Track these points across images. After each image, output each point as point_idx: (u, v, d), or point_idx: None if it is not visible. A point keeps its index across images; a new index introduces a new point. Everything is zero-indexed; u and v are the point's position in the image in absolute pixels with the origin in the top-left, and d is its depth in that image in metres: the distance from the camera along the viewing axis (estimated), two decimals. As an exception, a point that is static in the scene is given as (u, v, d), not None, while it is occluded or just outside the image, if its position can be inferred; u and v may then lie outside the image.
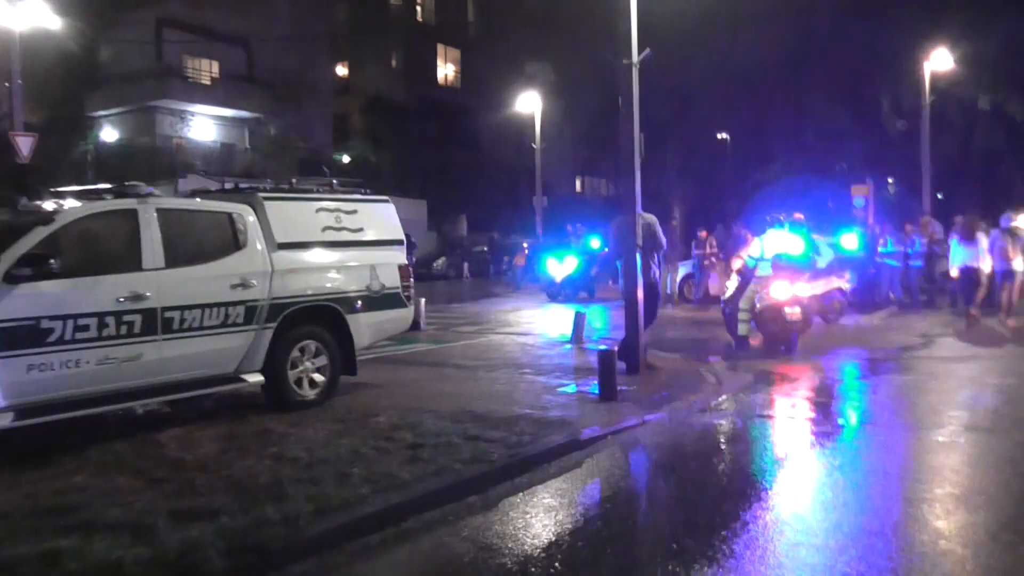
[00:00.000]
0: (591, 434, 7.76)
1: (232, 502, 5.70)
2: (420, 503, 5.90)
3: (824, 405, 9.62)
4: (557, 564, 5.00)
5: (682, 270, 23.03)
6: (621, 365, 10.25)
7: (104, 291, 7.38)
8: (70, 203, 7.75)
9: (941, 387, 10.43)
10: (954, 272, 17.03)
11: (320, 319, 9.13)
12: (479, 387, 10.19)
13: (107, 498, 5.90)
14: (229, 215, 8.59)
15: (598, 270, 24.07)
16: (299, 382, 8.89)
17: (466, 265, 36.50)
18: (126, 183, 8.29)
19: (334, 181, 10.26)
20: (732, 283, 14.62)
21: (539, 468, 6.88)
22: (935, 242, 20.73)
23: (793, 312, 13.23)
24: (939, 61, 28.09)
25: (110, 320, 7.34)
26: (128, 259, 7.66)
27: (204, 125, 38.83)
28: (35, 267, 6.93)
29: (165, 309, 7.72)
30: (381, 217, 10.24)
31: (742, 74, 37.81)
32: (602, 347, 10.41)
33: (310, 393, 8.96)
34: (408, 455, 6.82)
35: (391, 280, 9.90)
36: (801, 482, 6.64)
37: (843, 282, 17.41)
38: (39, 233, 7.12)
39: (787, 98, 39.13)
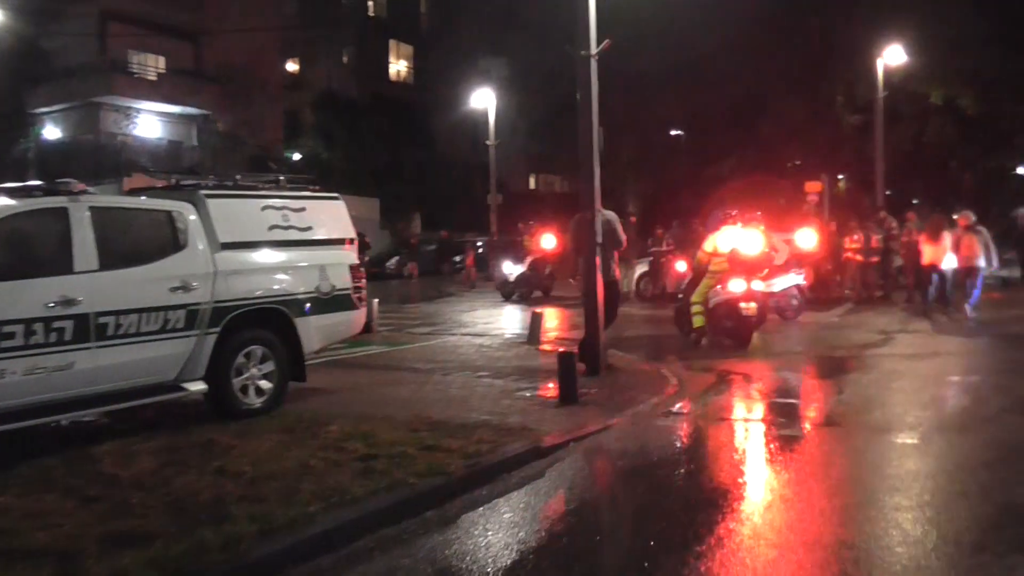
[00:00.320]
0: (553, 441, 7.43)
1: (170, 524, 5.27)
2: (374, 520, 5.53)
3: (789, 407, 9.38)
4: (521, 587, 4.67)
5: (639, 267, 22.83)
6: (581, 366, 9.93)
7: (32, 296, 6.88)
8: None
9: (906, 386, 10.27)
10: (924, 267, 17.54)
11: (267, 323, 8.66)
12: (435, 392, 9.81)
13: (33, 520, 5.43)
14: (169, 214, 8.11)
15: (552, 268, 23.83)
16: (245, 390, 8.42)
17: (410, 265, 35.79)
18: (57, 180, 7.78)
19: (281, 177, 9.81)
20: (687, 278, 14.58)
21: (499, 479, 6.54)
22: (891, 237, 20.74)
23: (749, 307, 13.20)
24: (892, 56, 28.22)
25: (38, 327, 6.85)
26: (58, 261, 7.16)
27: (150, 122, 37.82)
28: (-45, 270, 6.43)
29: (99, 314, 7.23)
30: (331, 215, 9.81)
31: (696, 69, 37.81)
32: (561, 349, 10.09)
33: (256, 401, 8.49)
34: (361, 467, 6.42)
35: (342, 281, 9.46)
36: (774, 491, 6.35)
37: (800, 278, 17.33)
38: (-41, 234, 6.62)
39: (741, 94, 39.18)
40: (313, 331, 9.05)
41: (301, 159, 41.32)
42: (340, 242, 9.75)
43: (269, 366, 8.61)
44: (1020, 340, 13.94)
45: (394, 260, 37.92)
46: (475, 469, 6.50)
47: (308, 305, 9.00)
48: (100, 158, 33.10)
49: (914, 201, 33.68)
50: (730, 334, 13.54)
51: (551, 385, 9.57)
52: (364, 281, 9.97)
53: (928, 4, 31.44)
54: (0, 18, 29.86)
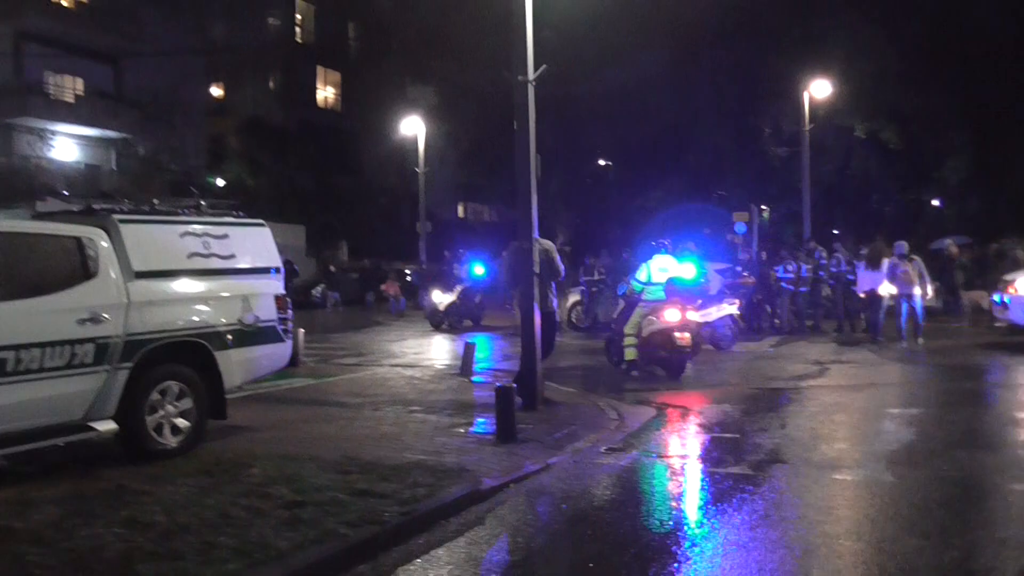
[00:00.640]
0: (492, 484, 7.01)
1: (69, 586, 4.72)
2: (300, 578, 5.04)
3: (734, 443, 9.08)
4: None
5: (571, 297, 22.61)
6: (517, 400, 9.52)
7: (-80, 329, 6.25)
8: None
9: (848, 420, 10.11)
10: (861, 294, 18.21)
11: (185, 357, 8.07)
12: (365, 429, 9.29)
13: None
14: (77, 240, 7.48)
15: (482, 297, 23.48)
16: (159, 429, 7.80)
17: (333, 295, 34.93)
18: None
19: (202, 202, 9.23)
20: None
21: (437, 527, 6.08)
22: (819, 268, 20.87)
23: (683, 336, 13.06)
24: (818, 89, 28.70)
25: (-73, 363, 6.21)
26: (-49, 291, 6.54)
27: (67, 145, 36.47)
28: None
29: (-3, 349, 6.61)
30: (255, 242, 9.27)
31: (624, 101, 38.02)
32: (498, 383, 9.69)
33: (172, 441, 7.88)
34: (286, 516, 5.91)
35: (266, 312, 8.93)
36: (728, 537, 5.96)
37: (734, 308, 17.27)
38: None
39: (669, 125, 39.48)
40: (235, 365, 8.49)
41: (226, 185, 40.26)
42: (265, 271, 9.23)
43: (187, 403, 8.01)
44: (952, 370, 13.98)
45: (320, 288, 37.09)
46: (411, 516, 6.03)
47: (230, 338, 8.44)
48: (13, 181, 31.69)
49: (834, 232, 34.25)
50: (664, 364, 13.38)
51: (488, 420, 9.14)
52: (290, 312, 9.44)
53: (852, 40, 32.13)
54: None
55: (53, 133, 35.60)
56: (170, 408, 7.90)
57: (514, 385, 9.45)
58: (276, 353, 9.17)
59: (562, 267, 11.66)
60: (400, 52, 45.06)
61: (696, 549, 5.68)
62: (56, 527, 5.79)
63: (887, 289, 17.29)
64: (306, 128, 45.14)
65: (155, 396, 7.77)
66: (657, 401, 11.29)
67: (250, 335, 8.68)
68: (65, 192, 30.06)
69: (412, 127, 34.59)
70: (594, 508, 6.71)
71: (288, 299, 9.42)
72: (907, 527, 5.99)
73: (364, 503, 6.19)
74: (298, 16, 48.08)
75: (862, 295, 18.39)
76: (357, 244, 43.76)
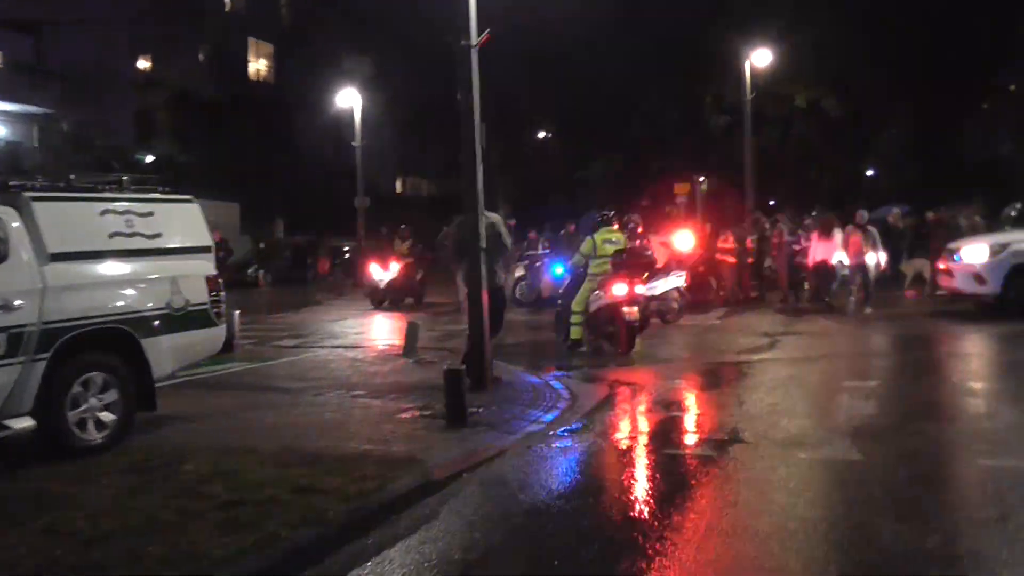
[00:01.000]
0: (444, 473, 6.59)
1: (-24, 609, 4.21)
2: (238, 589, 4.59)
3: (692, 421, 8.81)
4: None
5: (516, 271, 22.18)
6: (466, 381, 9.09)
7: None
8: None
9: (805, 394, 9.91)
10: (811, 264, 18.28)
11: (108, 345, 7.50)
12: (307, 416, 8.80)
13: None
14: (-16, 220, 6.88)
15: (424, 274, 22.97)
16: (83, 424, 7.23)
17: (262, 273, 34.05)
18: None
19: (124, 178, 8.59)
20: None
21: (387, 523, 5.66)
22: (764, 238, 20.77)
23: (632, 311, 12.78)
24: (760, 58, 28.56)
25: None
26: None
27: (-15, 121, 35.03)
28: None
29: None
30: (184, 220, 8.70)
31: (565, 71, 37.59)
32: (446, 364, 9.26)
33: (97, 436, 7.31)
34: (222, 518, 5.42)
35: (197, 295, 8.37)
36: (699, 526, 5.61)
37: (681, 281, 17.02)
38: None
39: (609, 96, 39.14)
40: (164, 353, 7.94)
41: (155, 161, 38.96)
42: (195, 250, 8.65)
43: (112, 395, 7.45)
44: (902, 340, 13.93)
45: (255, 267, 36.16)
46: (359, 514, 5.60)
47: (158, 323, 7.88)
48: (-73, 160, 30.30)
49: (771, 203, 34.33)
50: (612, 339, 13.07)
51: (436, 403, 8.71)
52: (223, 294, 8.87)
53: (794, 9, 32.04)
54: None
55: (-30, 108, 34.08)
56: (94, 401, 7.33)
57: (463, 366, 9.06)
58: (209, 338, 8.63)
59: (510, 241, 11.24)
60: (334, 22, 43.99)
61: (663, 541, 5.31)
62: (-35, 538, 5.24)
63: (840, 258, 17.30)
64: (239, 102, 43.82)
65: (77, 389, 7.20)
66: (609, 378, 10.95)
67: (180, 319, 8.13)
68: (-16, 171, 28.86)
69: (348, 99, 33.74)
70: (554, 498, 6.31)
71: (220, 279, 8.83)
72: (882, 510, 5.71)
73: (308, 500, 5.72)
74: (227, -16, 46.70)
75: (811, 265, 18.27)
76: (294, 221, 42.82)
